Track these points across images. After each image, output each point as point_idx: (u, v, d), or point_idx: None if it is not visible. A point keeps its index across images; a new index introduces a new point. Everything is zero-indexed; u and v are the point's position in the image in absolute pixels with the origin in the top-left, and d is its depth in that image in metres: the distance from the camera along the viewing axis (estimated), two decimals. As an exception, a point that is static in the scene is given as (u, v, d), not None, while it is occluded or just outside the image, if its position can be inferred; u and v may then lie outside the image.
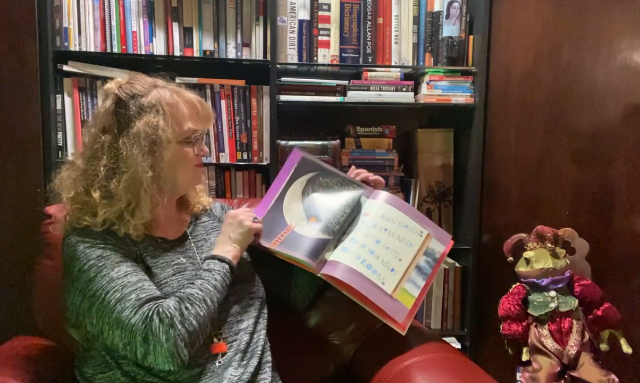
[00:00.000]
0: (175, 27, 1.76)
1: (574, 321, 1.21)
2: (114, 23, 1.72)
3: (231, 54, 1.80)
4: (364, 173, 1.26)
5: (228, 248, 1.07)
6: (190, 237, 1.14)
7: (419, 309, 1.18)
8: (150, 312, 0.92)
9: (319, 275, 1.11)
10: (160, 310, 0.92)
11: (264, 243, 1.17)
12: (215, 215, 1.25)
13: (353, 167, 1.29)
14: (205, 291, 0.98)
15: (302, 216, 1.18)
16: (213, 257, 1.05)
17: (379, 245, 1.14)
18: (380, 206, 1.20)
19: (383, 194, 1.22)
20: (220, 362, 1.00)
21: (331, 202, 1.20)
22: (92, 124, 1.06)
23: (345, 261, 1.11)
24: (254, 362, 1.06)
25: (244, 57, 1.81)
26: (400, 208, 1.20)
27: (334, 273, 1.09)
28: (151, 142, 0.99)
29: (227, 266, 1.04)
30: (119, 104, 1.03)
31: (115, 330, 0.92)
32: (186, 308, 0.94)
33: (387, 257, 1.12)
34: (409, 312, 1.08)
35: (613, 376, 1.16)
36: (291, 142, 1.78)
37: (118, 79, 1.07)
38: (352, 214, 1.18)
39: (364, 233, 1.16)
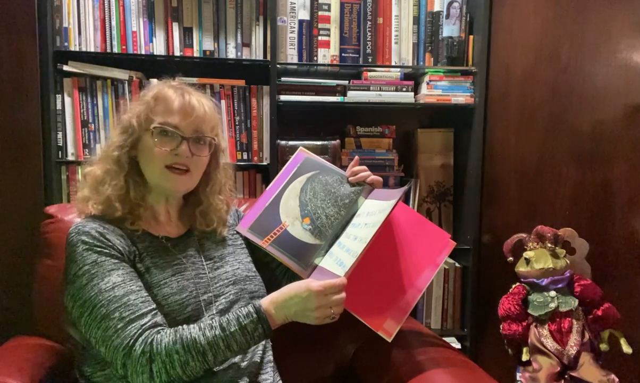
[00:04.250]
0: (175, 27, 1.76)
1: (574, 321, 1.22)
2: (114, 23, 1.72)
3: (231, 54, 1.80)
4: (361, 173, 1.20)
5: (282, 319, 0.97)
6: (193, 235, 1.14)
7: (417, 303, 1.11)
8: (133, 340, 0.91)
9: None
10: (149, 340, 0.91)
11: (256, 239, 1.17)
12: None
13: (357, 158, 1.23)
14: (214, 347, 0.93)
15: (297, 215, 1.18)
16: (260, 318, 0.95)
17: (353, 239, 1.11)
18: (367, 204, 1.17)
19: (374, 192, 1.19)
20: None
21: (327, 203, 1.18)
22: None
23: (329, 267, 1.10)
24: (256, 361, 1.06)
25: (244, 57, 1.81)
26: (380, 198, 1.15)
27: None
28: (122, 126, 1.08)
29: (263, 333, 0.96)
30: None
31: (100, 346, 0.94)
32: (177, 351, 0.91)
33: (352, 246, 1.08)
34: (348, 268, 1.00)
35: (613, 376, 1.16)
36: (291, 143, 1.78)
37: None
38: (347, 216, 1.16)
39: (348, 233, 1.14)
